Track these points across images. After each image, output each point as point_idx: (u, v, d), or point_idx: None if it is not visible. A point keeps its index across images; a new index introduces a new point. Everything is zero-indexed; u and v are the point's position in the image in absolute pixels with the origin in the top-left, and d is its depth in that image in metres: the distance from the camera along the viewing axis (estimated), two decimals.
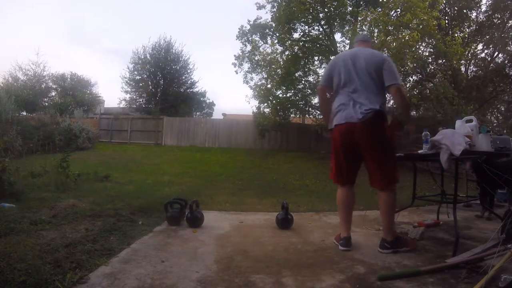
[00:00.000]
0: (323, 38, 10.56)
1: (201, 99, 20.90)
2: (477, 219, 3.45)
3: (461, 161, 2.73)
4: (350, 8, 10.24)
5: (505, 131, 11.57)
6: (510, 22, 10.76)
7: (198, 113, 21.78)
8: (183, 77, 18.47)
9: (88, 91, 20.65)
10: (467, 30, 11.11)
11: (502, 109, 13.55)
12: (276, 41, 10.92)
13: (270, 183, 6.13)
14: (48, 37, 47.94)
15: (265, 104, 11.26)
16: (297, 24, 10.50)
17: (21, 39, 38.38)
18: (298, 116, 13.75)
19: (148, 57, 17.59)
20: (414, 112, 12.13)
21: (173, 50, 17.91)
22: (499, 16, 10.78)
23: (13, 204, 3.14)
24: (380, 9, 9.20)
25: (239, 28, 10.98)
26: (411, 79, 11.74)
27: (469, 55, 11.13)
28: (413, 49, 9.01)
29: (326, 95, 2.42)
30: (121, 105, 18.25)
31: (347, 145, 2.23)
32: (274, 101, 10.83)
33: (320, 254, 2.23)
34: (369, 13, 9.00)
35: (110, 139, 14.14)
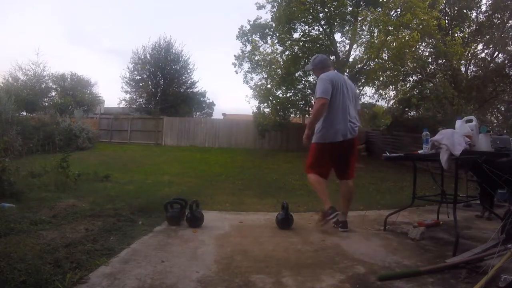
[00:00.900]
0: (323, 38, 10.56)
1: (201, 99, 20.91)
2: (477, 219, 3.45)
3: (462, 167, 2.73)
4: (350, 8, 10.24)
5: (505, 131, 11.58)
6: (510, 22, 10.76)
7: (198, 113, 21.79)
8: (183, 77, 18.48)
9: (88, 91, 20.68)
10: (467, 30, 11.10)
11: (502, 109, 13.55)
12: (276, 41, 10.93)
13: (270, 183, 6.13)
14: (48, 37, 47.96)
15: (265, 104, 11.27)
16: (297, 24, 10.51)
17: (21, 39, 38.46)
18: (298, 116, 13.77)
19: (148, 57, 17.60)
20: (414, 112, 12.19)
21: (173, 50, 17.92)
22: (499, 16, 10.78)
23: (13, 204, 3.13)
24: (380, 9, 9.21)
25: (239, 28, 11.00)
26: (411, 79, 11.76)
27: (469, 55, 11.13)
28: (413, 49, 9.02)
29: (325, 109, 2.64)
30: (121, 105, 18.27)
31: (337, 155, 2.70)
32: (274, 101, 10.84)
33: (320, 254, 2.23)
34: (369, 13, 9.00)
35: (110, 139, 14.15)
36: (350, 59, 10.79)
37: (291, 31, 10.49)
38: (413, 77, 11.71)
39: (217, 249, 2.29)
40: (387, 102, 13.12)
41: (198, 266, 1.93)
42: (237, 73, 11.71)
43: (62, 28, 51.81)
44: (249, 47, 11.15)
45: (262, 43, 11.21)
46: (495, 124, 13.19)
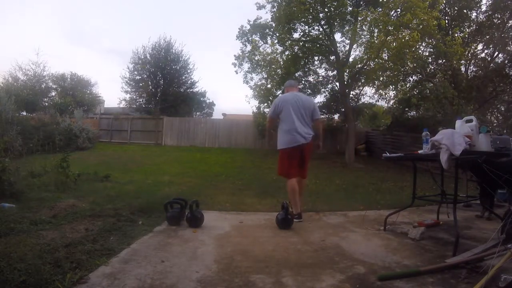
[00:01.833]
0: (323, 38, 10.54)
1: (201, 99, 20.92)
2: (477, 219, 3.45)
3: (461, 167, 2.73)
4: (350, 8, 10.22)
5: (505, 131, 11.58)
6: (510, 22, 10.73)
7: (198, 113, 21.80)
8: (183, 77, 18.47)
9: (88, 91, 20.68)
10: (467, 30, 11.08)
11: (502, 109, 13.53)
12: (276, 41, 10.90)
13: (270, 183, 6.12)
14: (48, 37, 48.06)
15: (265, 104, 11.25)
16: (297, 24, 10.48)
17: (21, 39, 38.42)
18: None
19: (148, 57, 17.59)
20: (414, 112, 12.19)
21: (173, 50, 17.91)
22: (499, 16, 10.75)
23: (13, 204, 3.13)
24: (380, 9, 9.19)
25: (239, 28, 10.97)
26: (411, 79, 11.76)
27: (469, 55, 11.12)
28: (413, 49, 8.99)
29: (276, 123, 3.50)
30: (121, 105, 18.26)
31: (298, 156, 3.32)
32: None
33: (320, 254, 2.23)
34: (369, 13, 8.99)
35: (110, 139, 14.15)
36: (350, 59, 10.79)
37: (291, 31, 10.47)
38: (413, 77, 11.70)
39: (217, 249, 2.29)
40: (387, 102, 13.14)
41: (198, 266, 1.93)
42: (237, 73, 11.69)
43: (62, 28, 51.91)
44: (249, 47, 11.13)
45: (262, 43, 11.19)
46: (495, 124, 13.17)
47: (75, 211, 3.04)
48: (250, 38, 10.99)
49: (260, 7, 10.59)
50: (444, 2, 10.06)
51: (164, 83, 17.74)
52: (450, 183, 2.88)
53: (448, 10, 11.07)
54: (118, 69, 38.68)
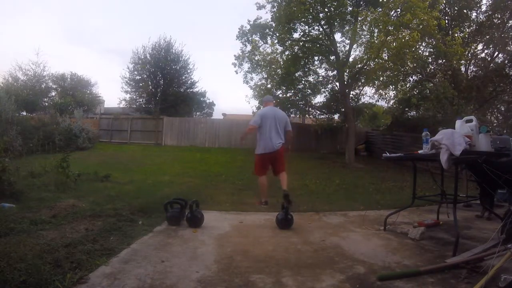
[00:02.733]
0: (323, 38, 10.54)
1: (201, 99, 20.90)
2: (477, 219, 3.45)
3: (462, 165, 2.73)
4: (350, 8, 10.22)
5: (505, 131, 11.58)
6: (510, 22, 10.72)
7: (198, 113, 21.79)
8: (183, 77, 18.46)
9: (88, 91, 20.67)
10: (467, 30, 11.07)
11: (502, 109, 13.52)
12: (276, 41, 10.90)
13: (270, 183, 6.11)
14: (48, 37, 47.96)
15: None
16: (297, 24, 10.47)
17: (21, 39, 38.39)
18: (298, 116, 13.76)
19: (148, 57, 17.57)
20: (414, 112, 12.19)
21: (173, 50, 17.90)
22: (499, 16, 10.74)
23: (13, 204, 3.13)
24: (380, 9, 9.18)
25: (239, 28, 10.97)
26: (411, 79, 11.75)
27: (469, 55, 11.10)
28: (413, 49, 8.99)
29: (255, 131, 4.16)
30: (121, 105, 18.23)
31: (270, 159, 4.12)
32: (274, 101, 10.81)
33: (320, 254, 2.23)
34: (369, 13, 8.98)
35: (110, 139, 14.14)
36: (350, 59, 10.78)
37: (291, 31, 10.46)
38: (413, 77, 11.69)
39: (217, 249, 2.29)
40: (387, 102, 13.12)
41: (198, 266, 1.93)
42: (237, 73, 11.70)
43: (62, 28, 51.75)
44: (249, 47, 11.13)
45: (262, 43, 11.19)
46: (495, 124, 13.17)
47: (75, 211, 3.04)
48: (250, 38, 11.00)
49: (260, 7, 10.60)
50: (444, 2, 10.06)
51: (164, 83, 17.73)
52: (450, 183, 2.88)
53: (448, 10, 11.07)
54: (118, 69, 38.65)
